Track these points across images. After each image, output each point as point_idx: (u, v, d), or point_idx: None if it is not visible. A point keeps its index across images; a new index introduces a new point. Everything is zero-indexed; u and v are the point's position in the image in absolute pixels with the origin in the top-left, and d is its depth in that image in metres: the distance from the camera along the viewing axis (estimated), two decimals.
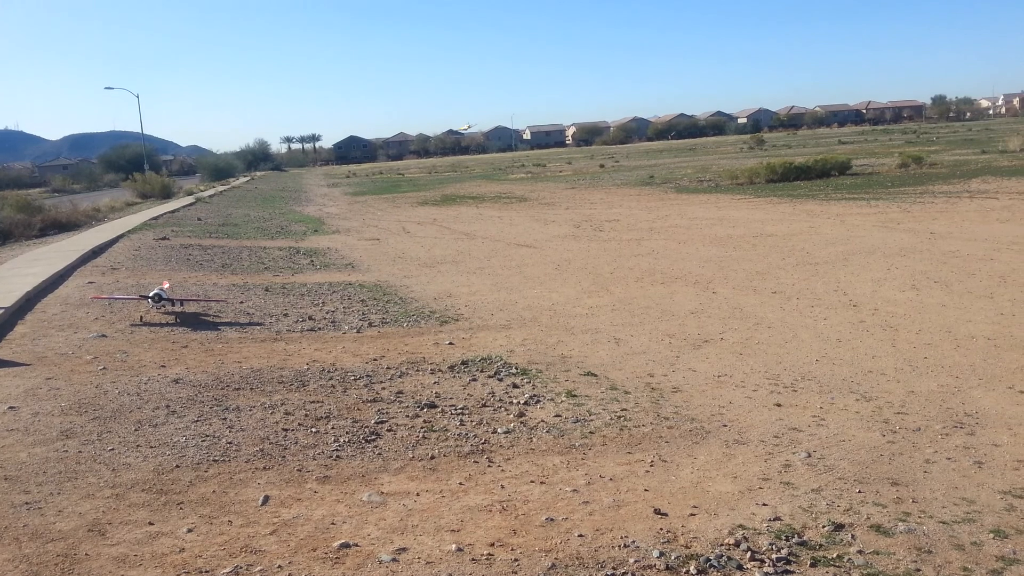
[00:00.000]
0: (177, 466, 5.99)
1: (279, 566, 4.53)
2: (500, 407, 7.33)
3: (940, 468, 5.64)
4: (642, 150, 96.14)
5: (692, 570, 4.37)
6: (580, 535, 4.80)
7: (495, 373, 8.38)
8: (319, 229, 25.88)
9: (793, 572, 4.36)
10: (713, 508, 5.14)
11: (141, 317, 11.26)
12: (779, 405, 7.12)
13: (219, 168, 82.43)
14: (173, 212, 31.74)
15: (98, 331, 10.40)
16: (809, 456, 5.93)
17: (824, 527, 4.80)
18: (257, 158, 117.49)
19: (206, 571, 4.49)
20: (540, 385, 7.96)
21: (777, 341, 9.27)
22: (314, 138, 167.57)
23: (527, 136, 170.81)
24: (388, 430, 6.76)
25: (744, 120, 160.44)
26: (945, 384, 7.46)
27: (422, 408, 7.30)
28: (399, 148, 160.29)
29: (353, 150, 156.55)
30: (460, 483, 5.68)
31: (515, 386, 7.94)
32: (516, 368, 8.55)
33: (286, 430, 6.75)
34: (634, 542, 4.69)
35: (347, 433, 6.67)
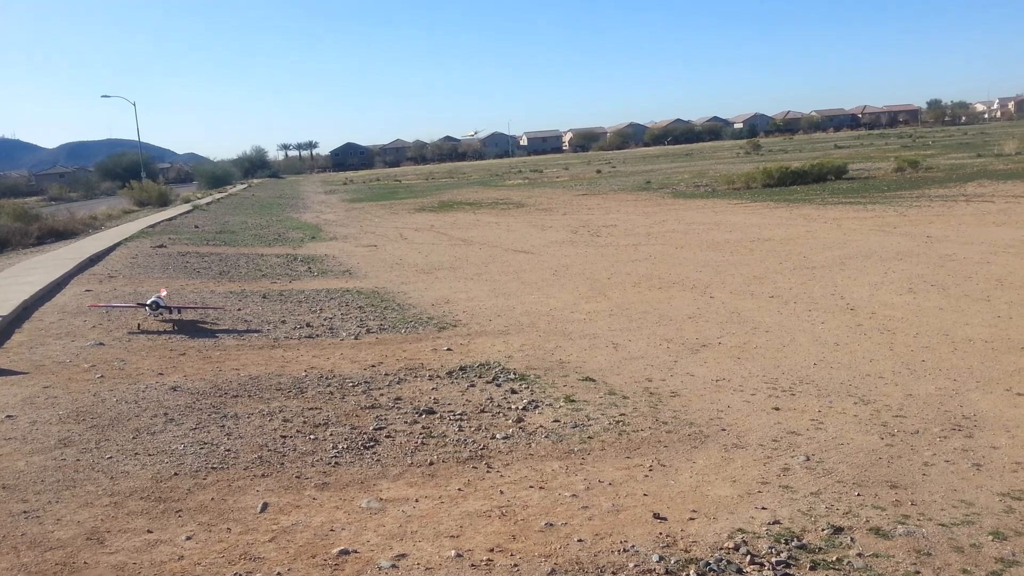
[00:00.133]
0: (175, 474, 5.98)
1: (278, 573, 4.52)
2: (498, 413, 7.32)
3: (939, 471, 5.64)
4: (639, 155, 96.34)
5: (692, 574, 4.37)
6: (579, 540, 4.80)
7: (493, 379, 8.38)
8: (316, 236, 25.88)
9: None
10: (712, 512, 5.14)
11: (139, 325, 11.25)
12: (777, 409, 7.12)
13: (216, 175, 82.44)
14: (170, 220, 31.74)
15: (96, 339, 10.38)
16: (808, 459, 5.93)
17: (823, 530, 4.80)
18: (254, 165, 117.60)
19: None
20: (538, 390, 7.95)
21: (775, 345, 9.28)
22: (311, 145, 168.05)
23: (524, 142, 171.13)
24: (387, 436, 6.75)
25: (740, 125, 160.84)
26: (943, 387, 7.48)
27: (420, 414, 7.30)
28: (396, 155, 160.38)
29: (350, 157, 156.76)
30: (459, 489, 5.67)
31: (513, 392, 7.94)
32: (514, 374, 8.55)
33: (284, 437, 6.74)
34: (633, 547, 4.69)
35: (345, 440, 6.66)
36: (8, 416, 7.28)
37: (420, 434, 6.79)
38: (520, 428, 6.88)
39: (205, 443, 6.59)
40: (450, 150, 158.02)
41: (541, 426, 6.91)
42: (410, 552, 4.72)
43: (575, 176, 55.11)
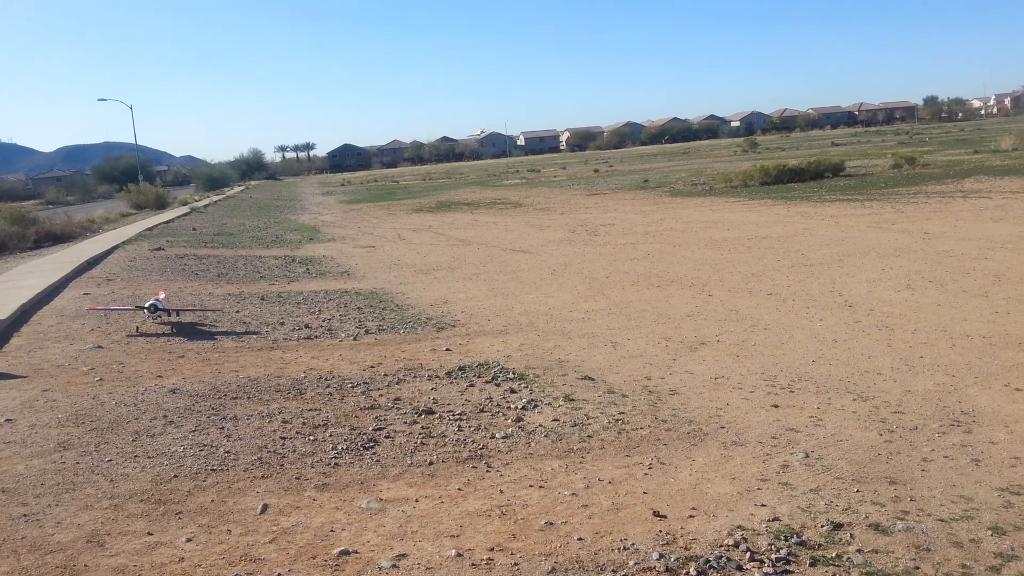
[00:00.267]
0: (175, 476, 5.98)
1: (279, 574, 4.53)
2: (498, 412, 7.33)
3: (938, 466, 5.65)
4: (636, 154, 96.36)
5: (692, 571, 4.38)
6: (579, 538, 4.80)
7: (492, 378, 8.39)
8: (314, 237, 25.87)
9: (792, 572, 4.37)
10: (712, 509, 5.15)
11: (137, 328, 11.25)
12: (776, 406, 7.13)
13: (213, 178, 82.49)
14: (168, 222, 31.73)
15: (94, 342, 10.38)
16: (807, 456, 5.94)
17: (823, 527, 4.81)
18: (252, 167, 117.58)
19: None
20: (537, 390, 7.96)
21: (773, 342, 9.29)
22: (308, 147, 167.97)
23: (521, 142, 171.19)
24: (386, 437, 6.76)
25: (737, 123, 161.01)
26: (942, 383, 7.49)
27: (420, 414, 7.30)
28: (393, 155, 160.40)
29: (347, 158, 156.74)
30: (459, 488, 5.68)
31: (512, 391, 7.95)
32: (513, 373, 8.56)
33: (284, 438, 6.74)
34: (633, 544, 4.69)
35: (345, 440, 6.66)
36: (7, 420, 7.28)
37: (420, 434, 6.80)
38: (519, 427, 6.89)
39: (205, 445, 6.59)
40: (447, 151, 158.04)
41: (540, 425, 6.92)
42: (410, 552, 4.73)
43: (572, 175, 55.12)
